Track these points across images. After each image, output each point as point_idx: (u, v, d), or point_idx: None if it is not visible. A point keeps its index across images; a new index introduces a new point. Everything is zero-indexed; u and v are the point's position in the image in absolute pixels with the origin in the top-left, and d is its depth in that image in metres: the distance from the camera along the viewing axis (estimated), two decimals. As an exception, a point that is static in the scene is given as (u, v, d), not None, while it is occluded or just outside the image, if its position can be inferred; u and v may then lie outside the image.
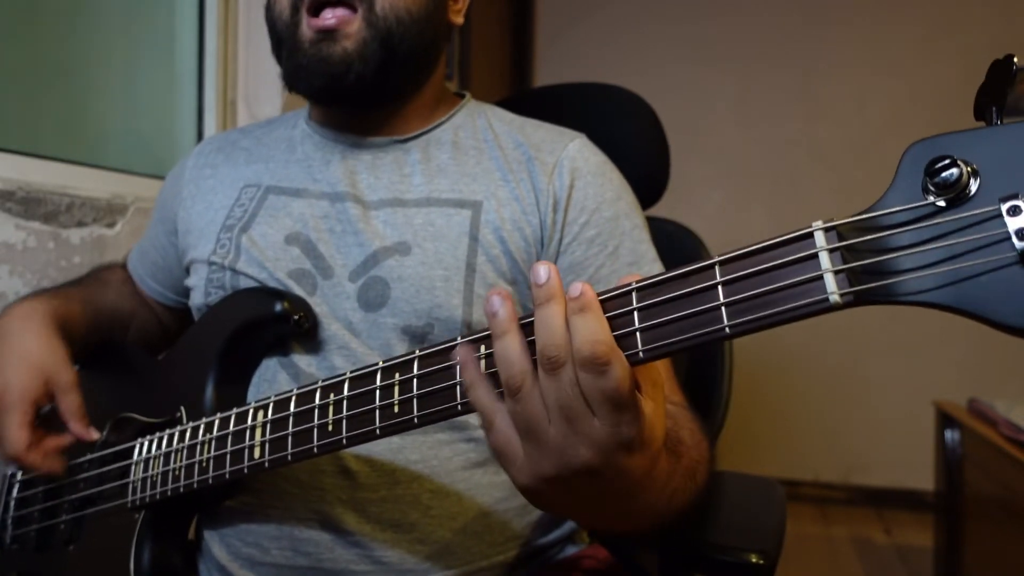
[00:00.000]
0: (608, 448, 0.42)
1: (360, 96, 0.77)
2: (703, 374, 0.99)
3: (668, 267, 0.80)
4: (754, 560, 0.67)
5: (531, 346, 0.43)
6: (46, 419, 0.75)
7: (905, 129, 2.81)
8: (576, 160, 0.78)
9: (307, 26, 0.74)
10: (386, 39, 0.74)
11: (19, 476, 0.84)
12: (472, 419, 0.72)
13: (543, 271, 0.43)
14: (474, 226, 0.74)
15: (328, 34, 0.73)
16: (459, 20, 0.85)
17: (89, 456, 0.76)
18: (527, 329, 0.44)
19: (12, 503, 0.83)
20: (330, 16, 0.73)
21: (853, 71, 2.93)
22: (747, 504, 0.84)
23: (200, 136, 1.54)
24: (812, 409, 2.92)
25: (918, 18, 2.86)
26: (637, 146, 1.03)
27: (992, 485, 1.65)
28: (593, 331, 0.40)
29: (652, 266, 0.78)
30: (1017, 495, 1.48)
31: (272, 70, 1.53)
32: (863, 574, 2.27)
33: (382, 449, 0.71)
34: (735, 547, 0.69)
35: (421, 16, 0.76)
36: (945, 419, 1.92)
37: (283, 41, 0.77)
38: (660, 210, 1.06)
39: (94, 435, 0.75)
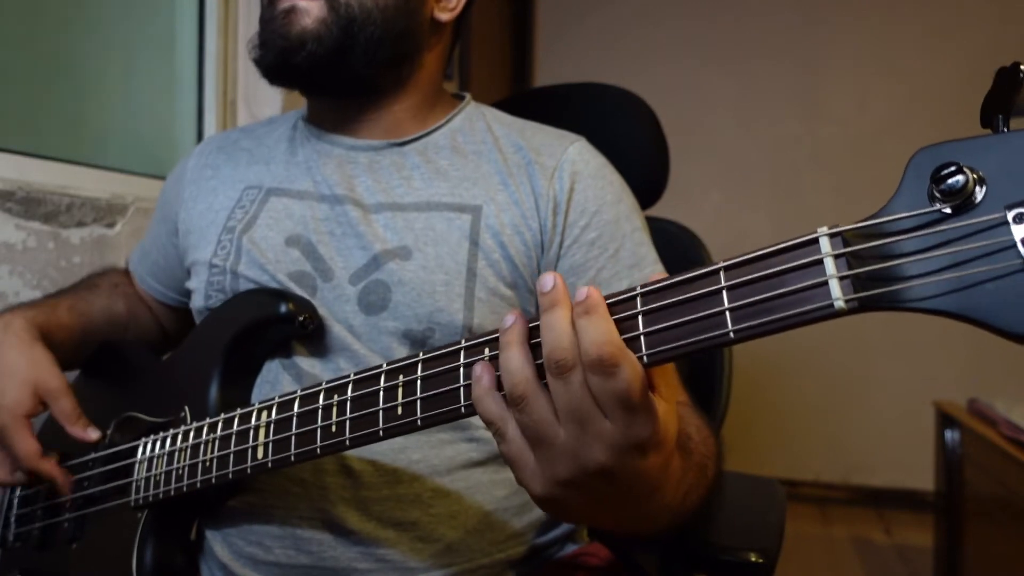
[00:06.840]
0: (622, 448, 0.41)
1: (312, 76, 0.78)
2: (703, 374, 0.99)
3: (669, 268, 0.81)
4: (754, 559, 0.68)
5: (537, 350, 0.43)
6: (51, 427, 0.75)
7: (906, 130, 2.82)
8: (576, 163, 0.79)
9: (271, 4, 0.77)
10: (347, 24, 0.75)
11: None
12: (474, 419, 0.73)
13: (549, 279, 0.43)
14: (474, 230, 0.74)
15: (290, 13, 0.75)
16: (444, 17, 0.82)
17: (93, 455, 0.76)
18: (535, 332, 0.44)
19: (16, 501, 0.83)
20: None
21: (854, 71, 2.93)
22: (747, 504, 0.84)
23: (200, 136, 1.54)
24: (812, 409, 2.92)
25: (918, 18, 2.86)
26: (637, 146, 1.03)
27: (992, 485, 1.65)
28: (600, 332, 0.40)
29: (653, 268, 0.78)
30: (1017, 495, 1.49)
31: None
32: (863, 574, 2.27)
33: (384, 449, 0.71)
34: (735, 547, 0.70)
35: (390, 6, 0.76)
36: (945, 419, 1.92)
37: (260, 24, 0.79)
38: (660, 210, 1.06)
39: (93, 435, 0.75)
